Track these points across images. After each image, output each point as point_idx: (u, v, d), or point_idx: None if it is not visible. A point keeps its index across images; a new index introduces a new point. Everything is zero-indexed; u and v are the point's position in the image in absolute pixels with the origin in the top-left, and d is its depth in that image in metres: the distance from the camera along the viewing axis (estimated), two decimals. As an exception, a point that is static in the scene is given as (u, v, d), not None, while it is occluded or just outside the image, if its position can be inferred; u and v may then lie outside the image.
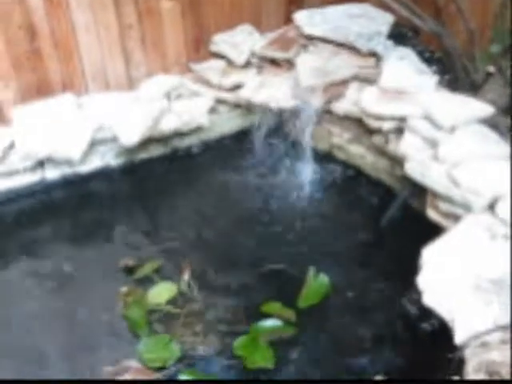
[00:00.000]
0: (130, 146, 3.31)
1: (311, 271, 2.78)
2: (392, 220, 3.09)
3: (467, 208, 2.64)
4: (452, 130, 2.89)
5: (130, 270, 2.91)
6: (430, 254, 2.43)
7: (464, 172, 2.68)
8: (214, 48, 3.78)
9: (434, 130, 2.92)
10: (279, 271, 2.86)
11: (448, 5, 3.40)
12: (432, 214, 2.83)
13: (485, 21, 3.48)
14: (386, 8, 3.50)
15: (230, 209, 3.33)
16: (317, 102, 3.25)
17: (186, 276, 2.84)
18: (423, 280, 2.34)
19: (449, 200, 2.72)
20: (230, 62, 3.74)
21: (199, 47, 3.84)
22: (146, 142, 3.47)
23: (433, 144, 2.90)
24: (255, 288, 2.80)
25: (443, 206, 2.76)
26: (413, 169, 2.86)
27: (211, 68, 3.75)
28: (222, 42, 3.73)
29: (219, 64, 3.78)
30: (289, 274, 2.85)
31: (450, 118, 2.89)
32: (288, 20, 3.72)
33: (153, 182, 3.52)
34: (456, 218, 2.70)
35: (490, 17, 3.38)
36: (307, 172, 3.49)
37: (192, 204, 3.37)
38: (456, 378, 2.00)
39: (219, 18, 3.80)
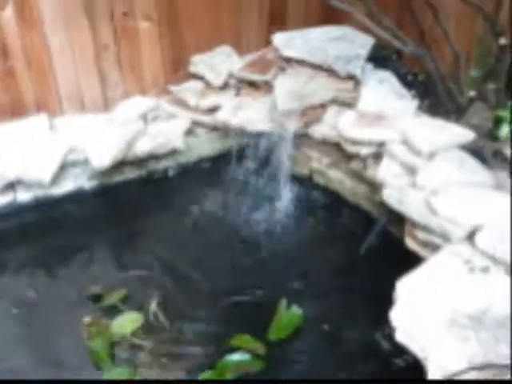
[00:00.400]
0: (101, 169, 3.21)
1: (283, 302, 2.67)
2: (371, 248, 2.98)
3: (445, 238, 2.53)
4: (431, 156, 2.80)
5: (96, 298, 2.78)
6: (404, 287, 2.32)
7: (442, 200, 2.59)
8: (192, 69, 3.70)
9: (413, 156, 2.82)
10: (251, 302, 2.75)
11: (433, 28, 3.32)
12: (410, 243, 2.72)
13: (471, 43, 3.44)
14: (368, 30, 3.43)
15: (205, 235, 3.21)
16: (293, 126, 3.16)
17: (154, 306, 2.72)
18: (396, 315, 2.23)
19: (426, 229, 2.61)
20: (208, 84, 3.66)
21: (177, 68, 3.76)
22: (121, 165, 3.37)
23: (411, 170, 2.81)
24: (225, 319, 2.68)
25: (421, 234, 2.65)
26: (390, 195, 2.76)
27: (189, 89, 3.67)
28: (200, 62, 3.65)
29: (197, 85, 3.70)
30: (261, 304, 2.73)
31: (429, 143, 2.80)
32: (269, 41, 3.64)
33: (127, 206, 3.41)
34: (434, 248, 2.58)
35: (476, 40, 3.38)
36: (286, 197, 3.39)
37: (165, 229, 3.26)
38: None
39: (198, 38, 3.72)
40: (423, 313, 2.21)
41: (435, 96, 3.25)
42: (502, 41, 2.73)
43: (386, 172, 2.84)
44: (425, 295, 2.28)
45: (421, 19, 3.26)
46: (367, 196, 3.15)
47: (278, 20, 3.77)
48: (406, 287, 2.33)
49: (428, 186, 2.69)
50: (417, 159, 2.81)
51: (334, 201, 3.35)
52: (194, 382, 2.32)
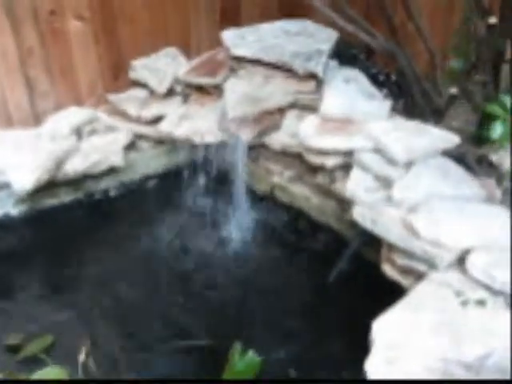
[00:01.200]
0: (24, 193, 2.72)
1: (236, 347, 2.18)
2: (342, 275, 2.56)
3: (430, 264, 2.12)
4: (409, 165, 2.37)
5: (15, 348, 2.30)
6: (381, 329, 1.86)
7: (424, 218, 2.17)
8: (132, 75, 3.24)
9: (387, 166, 2.40)
10: (199, 347, 2.28)
11: (405, 24, 2.90)
12: (388, 270, 2.29)
13: (446, 40, 3.08)
14: (332, 25, 3.00)
15: (147, 267, 2.74)
16: (247, 135, 2.71)
17: (83, 356, 2.24)
18: (372, 364, 1.76)
19: (407, 253, 2.19)
20: (152, 91, 3.19)
21: (118, 75, 3.30)
22: (54, 186, 2.93)
23: (386, 183, 2.38)
24: (169, 369, 2.22)
25: (400, 260, 2.23)
26: (362, 214, 2.32)
27: (130, 99, 3.20)
28: (141, 67, 3.19)
29: (140, 94, 3.24)
30: (211, 349, 2.26)
31: (406, 150, 2.36)
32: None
33: (59, 233, 2.92)
34: (417, 276, 2.17)
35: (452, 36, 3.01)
36: (243, 219, 2.96)
37: (103, 260, 2.78)
38: None
39: (140, 40, 3.28)
40: (406, 362, 1.76)
41: (410, 97, 2.82)
42: (492, 20, 2.30)
43: (357, 186, 2.41)
44: (407, 339, 1.82)
45: (391, 14, 2.85)
46: (337, 214, 2.72)
47: (232, 17, 3.33)
48: (384, 328, 1.87)
49: (406, 202, 2.27)
50: (392, 170, 2.39)
51: (300, 220, 2.94)
52: (194, 382, 2.14)
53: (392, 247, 2.26)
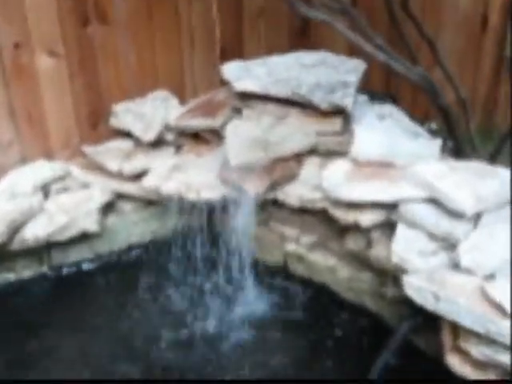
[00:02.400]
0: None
1: None
2: (386, 371, 1.90)
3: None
4: (476, 218, 1.75)
5: None
6: None
7: (508, 291, 1.52)
8: (114, 122, 2.69)
9: (447, 221, 1.81)
10: None
11: (432, 69, 2.40)
12: (456, 364, 1.69)
13: (476, 86, 2.87)
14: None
15: (129, 369, 2.07)
16: (254, 188, 2.11)
17: None
18: None
19: (486, 339, 1.57)
20: (137, 142, 2.62)
21: (97, 122, 2.76)
22: (7, 257, 2.39)
23: (447, 243, 1.77)
24: None
25: (476, 349, 1.62)
26: (418, 287, 1.71)
27: (110, 150, 2.64)
28: (124, 112, 2.63)
29: (122, 145, 2.67)
30: None
31: (473, 198, 1.76)
32: (223, 83, 2.65)
33: (12, 320, 2.30)
34: (502, 371, 1.59)
35: (483, 82, 2.87)
36: (249, 300, 2.34)
37: (69, 362, 2.12)
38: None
39: (125, 81, 2.75)
40: None
41: (456, 137, 2.25)
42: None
43: (406, 249, 1.82)
44: None
45: (417, 57, 2.41)
46: (374, 290, 2.14)
47: (234, 55, 2.79)
48: None
49: (481, 267, 1.62)
50: (454, 225, 1.78)
51: (323, 300, 2.34)
52: (195, 382, 1.99)
53: (462, 331, 1.64)
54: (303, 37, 2.97)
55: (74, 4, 2.53)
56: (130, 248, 2.65)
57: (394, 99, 2.69)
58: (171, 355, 2.10)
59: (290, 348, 2.12)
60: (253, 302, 2.33)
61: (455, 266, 1.70)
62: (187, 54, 2.83)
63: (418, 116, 2.59)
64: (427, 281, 1.67)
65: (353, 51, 2.61)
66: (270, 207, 2.31)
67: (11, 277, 2.45)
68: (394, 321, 2.04)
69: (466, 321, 1.58)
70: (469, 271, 1.65)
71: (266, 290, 2.37)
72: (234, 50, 2.88)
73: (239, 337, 2.16)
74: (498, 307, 1.53)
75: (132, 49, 2.72)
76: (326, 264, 2.27)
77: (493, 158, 2.23)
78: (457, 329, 1.67)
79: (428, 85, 2.27)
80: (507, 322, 1.50)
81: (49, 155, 2.69)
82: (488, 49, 2.84)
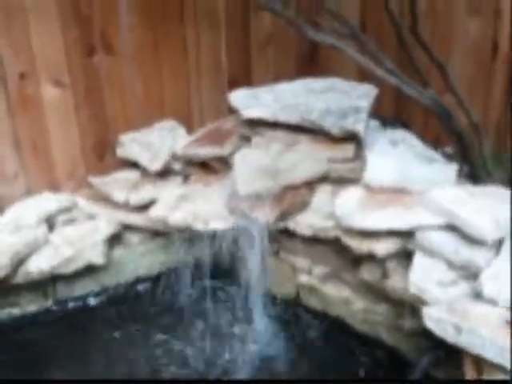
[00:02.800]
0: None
1: None
2: None
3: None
4: (497, 245, 1.66)
5: None
6: None
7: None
8: (120, 152, 2.63)
9: (467, 248, 1.72)
10: None
11: (442, 95, 2.35)
12: None
13: (487, 114, 2.79)
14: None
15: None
16: (264, 217, 2.04)
17: None
18: None
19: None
20: (144, 172, 2.57)
21: (103, 153, 2.70)
22: (11, 291, 2.31)
23: (467, 272, 1.69)
24: None
25: None
26: (438, 319, 1.60)
27: (117, 181, 2.58)
28: (130, 142, 2.58)
29: (129, 175, 2.61)
30: None
31: (492, 225, 1.67)
32: (232, 112, 2.60)
33: (16, 356, 2.20)
34: None
35: (494, 109, 2.80)
36: (260, 335, 2.24)
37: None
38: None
39: (131, 112, 2.69)
40: None
41: (471, 163, 2.18)
42: None
43: (424, 278, 1.72)
44: None
45: (428, 82, 2.36)
46: (392, 323, 2.04)
47: (242, 83, 2.74)
48: None
49: (504, 297, 1.53)
50: (475, 252, 1.68)
51: (337, 334, 2.24)
52: (194, 382, 1.99)
53: (485, 365, 1.54)
54: (311, 63, 2.92)
55: (80, 34, 2.48)
56: (137, 281, 2.55)
57: (405, 125, 2.63)
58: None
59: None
60: (264, 336, 2.24)
61: (477, 295, 1.60)
62: (194, 83, 2.78)
63: (430, 141, 2.53)
64: (447, 312, 1.57)
65: (362, 76, 2.56)
66: (280, 237, 2.23)
67: (16, 311, 2.36)
68: (412, 354, 1.94)
69: (489, 354, 1.48)
70: (492, 301, 1.56)
71: (278, 325, 2.27)
72: (242, 77, 2.83)
73: (250, 367, 2.08)
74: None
75: (138, 79, 2.66)
76: (340, 296, 2.17)
77: (510, 183, 2.17)
78: (480, 362, 1.56)
79: (440, 108, 2.20)
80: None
81: (54, 186, 2.62)
82: (498, 75, 2.78)
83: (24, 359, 2.20)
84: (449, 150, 2.20)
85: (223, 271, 2.39)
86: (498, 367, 1.50)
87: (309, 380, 1.96)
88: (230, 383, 1.97)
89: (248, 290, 2.25)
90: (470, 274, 1.68)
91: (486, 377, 1.55)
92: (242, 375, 2.07)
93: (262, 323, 2.27)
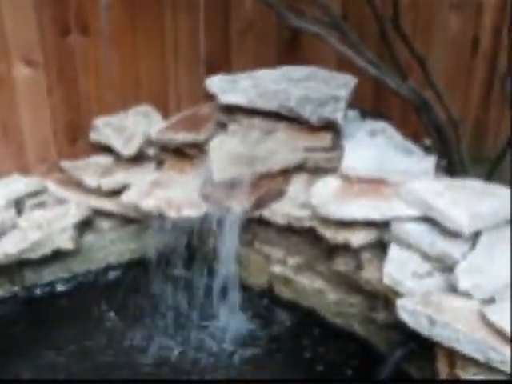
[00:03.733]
0: None
1: None
2: None
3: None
4: (474, 238, 1.65)
5: None
6: None
7: (509, 315, 1.42)
8: (94, 136, 2.56)
9: (443, 241, 1.71)
10: None
11: (422, 90, 2.33)
12: None
13: (466, 112, 2.75)
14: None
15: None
16: (239, 205, 2.00)
17: None
18: None
19: (486, 367, 1.46)
20: (118, 156, 2.50)
21: (75, 137, 2.64)
22: None
23: (442, 264, 1.67)
24: None
25: (475, 378, 1.49)
26: (412, 311, 1.58)
27: (89, 166, 2.51)
28: (104, 126, 2.51)
29: (103, 160, 2.55)
30: None
31: (469, 217, 1.65)
32: (210, 97, 2.55)
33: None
34: None
35: (473, 104, 2.76)
36: (231, 327, 2.20)
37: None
38: None
39: (106, 95, 2.62)
40: None
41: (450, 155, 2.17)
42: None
43: (399, 270, 1.71)
44: None
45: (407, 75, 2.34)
46: (365, 315, 2.01)
47: (220, 70, 2.68)
48: None
49: (479, 290, 1.52)
50: (450, 245, 1.66)
51: (310, 325, 2.19)
52: (195, 382, 1.94)
53: (459, 359, 1.52)
54: (292, 51, 2.87)
55: (55, 13, 2.41)
56: (107, 268, 2.48)
57: (384, 117, 2.62)
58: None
59: (274, 375, 1.99)
60: (235, 327, 2.20)
61: (452, 288, 1.59)
62: (171, 68, 2.71)
63: (408, 135, 2.51)
64: (422, 304, 1.55)
65: (342, 66, 2.54)
66: (255, 227, 2.18)
67: (-21, 297, 2.28)
68: (384, 347, 1.92)
69: (464, 347, 1.46)
70: (466, 294, 1.54)
71: (250, 315, 2.24)
72: (221, 64, 2.76)
73: (221, 357, 2.05)
74: (499, 333, 1.42)
75: (114, 61, 2.60)
76: (313, 287, 2.13)
77: (488, 179, 2.16)
78: (453, 356, 1.54)
79: (419, 100, 2.19)
80: (509, 349, 1.39)
81: (24, 169, 2.54)
82: (478, 70, 2.78)
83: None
84: (427, 142, 2.17)
85: (195, 260, 2.33)
86: (473, 361, 1.49)
87: (309, 380, 1.94)
88: (230, 383, 1.95)
89: (220, 280, 2.20)
90: (446, 266, 1.67)
91: (458, 371, 1.53)
92: (208, 369, 2.03)
93: (232, 314, 2.23)
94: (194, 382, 1.93)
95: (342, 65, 2.51)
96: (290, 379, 1.94)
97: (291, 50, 2.89)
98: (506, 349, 1.40)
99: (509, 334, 1.41)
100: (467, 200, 1.72)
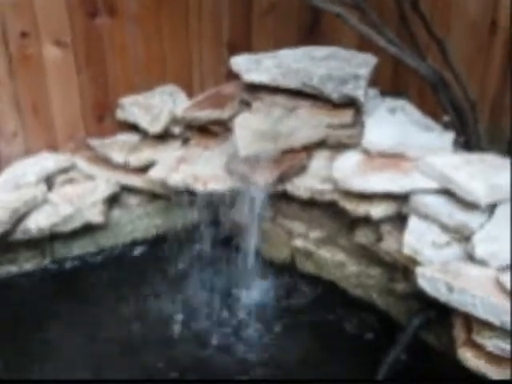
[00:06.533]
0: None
1: None
2: (395, 371, 1.83)
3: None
4: (490, 209, 1.71)
5: None
6: None
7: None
8: (121, 115, 2.65)
9: (460, 212, 1.77)
10: None
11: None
12: (470, 358, 1.63)
13: (484, 90, 2.72)
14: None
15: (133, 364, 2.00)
16: (263, 179, 2.07)
17: None
18: None
19: (502, 331, 1.53)
20: (144, 135, 2.58)
21: (103, 115, 2.71)
22: (9, 248, 2.33)
23: (460, 235, 1.74)
24: None
25: (491, 341, 1.57)
26: (431, 278, 1.64)
27: (116, 143, 2.60)
28: (131, 105, 2.59)
29: (130, 137, 2.63)
30: None
31: (487, 189, 1.72)
32: (232, 77, 2.61)
33: (11, 315, 2.21)
34: None
35: (491, 86, 2.71)
36: (254, 298, 2.28)
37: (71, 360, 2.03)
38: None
39: (132, 74, 2.70)
40: None
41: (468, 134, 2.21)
42: None
43: (419, 240, 1.77)
44: None
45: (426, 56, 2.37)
46: (384, 286, 2.09)
47: (242, 50, 2.73)
48: None
49: (495, 258, 1.58)
50: (468, 216, 1.75)
51: (331, 298, 2.27)
52: (194, 382, 1.96)
53: (475, 324, 1.59)
54: (312, 33, 2.91)
55: (83, -5, 2.50)
56: (133, 243, 2.57)
57: (403, 96, 2.66)
58: (174, 351, 2.06)
59: (298, 346, 2.06)
60: (257, 297, 2.27)
61: (469, 257, 1.65)
62: (195, 48, 2.77)
63: (426, 114, 2.55)
64: (440, 272, 1.62)
65: (362, 48, 2.57)
66: (277, 202, 2.25)
67: (14, 269, 2.38)
68: (403, 317, 1.98)
69: (480, 312, 1.53)
70: (483, 262, 1.60)
71: (273, 286, 2.31)
72: (242, 45, 2.81)
73: (245, 335, 2.11)
74: (504, 287, 1.49)
75: (140, 43, 2.66)
76: (334, 259, 2.21)
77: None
78: (470, 322, 1.61)
79: (438, 79, 2.23)
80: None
81: (53, 147, 2.63)
82: (497, 51, 2.79)
83: (21, 316, 2.21)
84: (446, 119, 2.22)
85: (220, 237, 2.40)
86: (488, 325, 1.55)
87: (309, 380, 1.96)
88: (229, 383, 1.98)
89: (245, 254, 2.28)
90: (463, 236, 1.72)
91: (475, 336, 1.60)
92: (234, 338, 2.11)
93: (257, 286, 2.31)
94: (194, 382, 1.97)
95: (363, 46, 2.54)
96: (290, 379, 1.96)
97: (312, 32, 2.93)
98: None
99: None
100: (484, 173, 1.77)
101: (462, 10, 2.75)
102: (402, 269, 1.88)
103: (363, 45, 2.50)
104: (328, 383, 1.93)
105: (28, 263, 2.41)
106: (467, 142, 2.24)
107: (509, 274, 1.55)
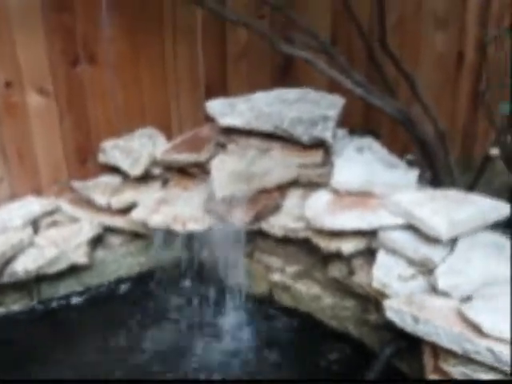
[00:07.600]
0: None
1: None
2: None
3: (501, 371, 1.51)
4: (452, 243, 1.82)
5: None
6: None
7: (484, 309, 1.58)
8: (102, 158, 2.74)
9: (424, 246, 1.88)
10: None
11: (411, 105, 2.49)
12: None
13: (454, 122, 2.93)
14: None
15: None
16: (239, 219, 2.17)
17: None
18: None
19: (464, 358, 1.62)
20: (125, 177, 2.68)
21: (85, 159, 2.80)
22: None
23: (425, 268, 1.84)
24: None
25: (455, 368, 1.65)
26: (398, 310, 1.74)
27: (99, 185, 2.69)
28: (112, 148, 2.69)
29: (111, 179, 2.73)
30: None
31: (449, 224, 1.83)
32: (209, 120, 2.72)
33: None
34: None
35: (460, 118, 2.93)
36: (234, 332, 2.35)
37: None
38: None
39: (113, 120, 2.80)
40: None
41: (435, 168, 2.33)
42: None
43: (386, 274, 1.88)
44: None
45: (395, 92, 2.51)
46: (358, 317, 2.16)
47: (218, 93, 2.86)
48: None
49: (457, 291, 1.69)
50: (431, 250, 1.84)
51: (308, 329, 2.35)
52: (194, 382, 2.03)
53: (441, 352, 1.69)
54: (285, 75, 3.05)
55: (64, 44, 2.57)
56: (118, 281, 2.64)
57: (374, 134, 2.78)
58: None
59: (274, 372, 2.13)
60: (237, 330, 2.34)
61: (433, 289, 1.76)
62: (173, 93, 2.88)
63: (397, 150, 2.66)
64: (406, 304, 1.72)
65: (333, 87, 2.68)
66: (255, 239, 2.35)
67: (1, 310, 2.43)
68: (377, 346, 2.08)
69: (444, 341, 1.62)
70: (445, 294, 1.71)
71: (252, 320, 2.38)
72: (218, 88, 2.94)
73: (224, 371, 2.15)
74: (474, 327, 1.58)
75: (119, 88, 2.76)
76: (310, 293, 2.29)
77: (471, 189, 2.31)
78: (436, 350, 1.71)
79: (404, 117, 2.35)
80: (483, 341, 1.55)
81: (38, 191, 2.70)
82: (464, 83, 2.91)
83: (8, 356, 2.24)
84: (411, 157, 2.34)
85: (200, 273, 2.49)
86: (452, 353, 1.65)
87: (308, 380, 2.03)
88: (230, 383, 2.03)
89: (224, 289, 2.39)
90: (428, 269, 1.83)
91: (441, 363, 1.69)
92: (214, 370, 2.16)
93: (235, 320, 2.38)
94: (193, 381, 2.02)
95: (333, 86, 2.65)
96: (290, 379, 2.04)
97: (285, 74, 3.06)
98: (480, 341, 1.56)
99: (483, 329, 1.57)
100: (446, 209, 1.89)
101: (430, 44, 2.88)
102: (374, 301, 1.97)
103: (333, 85, 2.62)
104: (328, 383, 2.01)
105: (15, 304, 2.47)
106: (434, 177, 2.36)
107: (469, 304, 1.66)
